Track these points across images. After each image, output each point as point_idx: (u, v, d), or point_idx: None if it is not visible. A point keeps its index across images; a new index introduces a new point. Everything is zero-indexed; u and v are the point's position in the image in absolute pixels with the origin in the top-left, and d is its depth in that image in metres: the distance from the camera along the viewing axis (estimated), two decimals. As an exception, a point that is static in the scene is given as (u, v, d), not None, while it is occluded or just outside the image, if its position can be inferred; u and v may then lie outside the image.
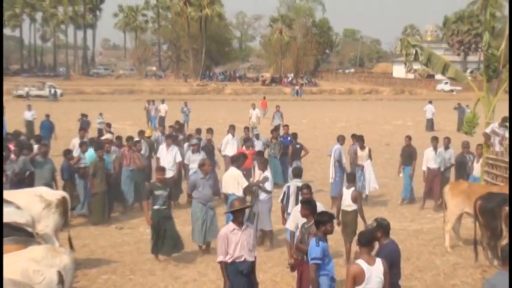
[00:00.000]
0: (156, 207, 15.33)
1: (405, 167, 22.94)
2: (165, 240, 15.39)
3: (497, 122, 23.42)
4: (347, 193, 15.75)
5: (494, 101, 23.41)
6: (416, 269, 15.49)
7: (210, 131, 25.05)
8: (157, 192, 15.27)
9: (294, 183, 15.98)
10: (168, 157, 21.63)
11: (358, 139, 23.02)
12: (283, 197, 15.91)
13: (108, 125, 29.25)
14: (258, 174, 17.67)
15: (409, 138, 23.63)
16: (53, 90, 79.54)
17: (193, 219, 16.33)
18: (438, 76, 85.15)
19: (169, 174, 21.29)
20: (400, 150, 23.83)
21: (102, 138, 25.19)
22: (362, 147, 22.61)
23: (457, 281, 14.93)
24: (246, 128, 27.41)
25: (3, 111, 21.53)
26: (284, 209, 15.72)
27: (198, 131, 25.72)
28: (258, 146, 24.24)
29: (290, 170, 22.90)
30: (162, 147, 22.25)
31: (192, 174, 19.13)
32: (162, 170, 16.23)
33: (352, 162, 23.06)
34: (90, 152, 20.66)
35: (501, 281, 8.39)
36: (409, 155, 22.96)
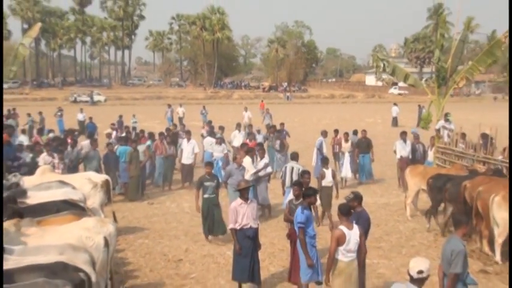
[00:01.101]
0: (206, 196, 14.84)
1: (363, 155, 22.82)
2: (214, 223, 14.89)
3: (443, 119, 23.56)
4: (328, 172, 16.33)
5: (443, 102, 23.53)
6: (384, 233, 15.59)
7: (221, 128, 25.19)
8: (206, 184, 14.74)
9: (290, 165, 16.59)
10: (188, 148, 21.90)
11: (353, 133, 23.72)
12: (282, 175, 16.63)
13: (113, 124, 29.15)
14: (258, 161, 17.81)
15: (364, 131, 23.57)
16: (91, 97, 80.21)
17: (230, 201, 16.22)
18: (400, 83, 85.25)
19: (189, 161, 21.84)
20: (372, 141, 23.74)
21: (105, 132, 25.34)
22: (346, 140, 22.88)
23: (415, 242, 15.02)
24: (250, 125, 27.55)
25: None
26: (283, 184, 16.37)
27: (212, 127, 25.92)
28: (259, 139, 24.25)
29: (278, 156, 23.69)
30: (184, 141, 22.39)
31: (228, 166, 18.87)
32: (210, 164, 15.67)
33: (338, 151, 23.48)
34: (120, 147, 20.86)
35: (451, 241, 8.52)
36: (367, 145, 22.94)
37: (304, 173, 14.07)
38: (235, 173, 15.98)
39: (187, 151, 21.89)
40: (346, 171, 21.97)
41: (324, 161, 17.03)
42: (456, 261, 8.19)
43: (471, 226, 14.75)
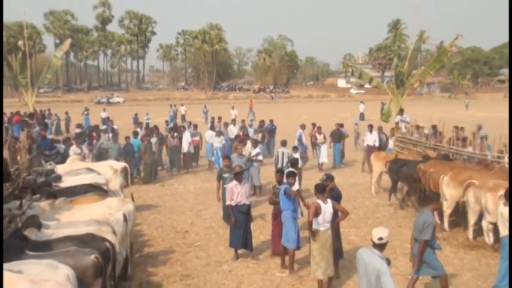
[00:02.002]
0: (225, 186, 13.58)
1: (336, 144, 22.98)
2: None
3: (399, 114, 23.67)
4: (296, 156, 16.58)
5: (401, 100, 23.64)
6: (353, 207, 15.60)
7: (226, 124, 25.22)
8: (225, 175, 13.76)
9: (281, 150, 17.32)
10: (184, 139, 22.17)
11: (341, 126, 23.82)
12: (275, 158, 17.43)
13: (111, 121, 29.00)
14: (249, 148, 18.04)
15: (338, 125, 23.74)
16: (107, 99, 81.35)
17: None
18: (366, 85, 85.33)
19: (185, 150, 22.14)
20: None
21: (101, 128, 25.27)
22: (320, 133, 22.92)
23: (379, 214, 15.10)
24: (243, 121, 27.54)
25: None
26: (276, 165, 16.82)
27: (212, 123, 25.88)
28: (251, 131, 24.32)
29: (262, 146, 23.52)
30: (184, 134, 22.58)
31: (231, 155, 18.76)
32: (228, 157, 14.68)
33: (314, 142, 23.46)
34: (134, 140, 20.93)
35: (424, 214, 8.71)
36: (339, 136, 23.09)
37: (294, 162, 14.02)
38: (236, 160, 15.93)
39: (184, 141, 22.12)
40: (323, 157, 22.26)
41: (294, 148, 17.62)
42: (426, 230, 8.44)
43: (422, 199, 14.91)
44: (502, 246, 9.45)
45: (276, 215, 11.28)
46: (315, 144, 23.46)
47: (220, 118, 27.36)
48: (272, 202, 11.37)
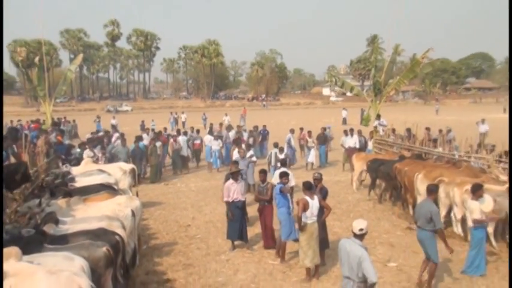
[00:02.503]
0: None
1: (321, 146, 23.05)
2: None
3: (377, 119, 23.73)
4: (283, 156, 16.72)
5: (379, 107, 23.65)
6: (337, 202, 15.65)
7: (228, 128, 25.19)
8: None
9: (273, 151, 17.77)
10: (183, 142, 22.23)
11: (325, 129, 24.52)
12: (268, 157, 18.04)
13: (115, 129, 28.84)
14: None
15: (323, 128, 24.13)
16: (115, 108, 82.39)
17: None
18: (348, 93, 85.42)
19: (181, 153, 22.15)
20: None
21: (100, 134, 25.11)
22: (310, 136, 22.97)
23: (360, 208, 15.14)
24: (239, 126, 27.54)
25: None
26: (269, 164, 17.52)
27: (211, 128, 25.85)
28: (245, 135, 24.31)
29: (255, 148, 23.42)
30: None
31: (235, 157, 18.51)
32: (235, 162, 14.21)
33: (303, 144, 23.62)
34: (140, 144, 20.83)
35: (427, 204, 8.73)
36: (324, 139, 23.29)
37: (283, 162, 13.97)
38: (240, 162, 15.90)
39: (183, 145, 22.24)
40: (311, 158, 22.32)
41: (280, 149, 17.81)
42: (436, 219, 8.45)
43: (398, 194, 14.95)
44: (471, 236, 9.52)
45: (261, 211, 11.30)
46: (303, 146, 23.55)
47: (221, 124, 27.39)
48: (257, 199, 11.38)
